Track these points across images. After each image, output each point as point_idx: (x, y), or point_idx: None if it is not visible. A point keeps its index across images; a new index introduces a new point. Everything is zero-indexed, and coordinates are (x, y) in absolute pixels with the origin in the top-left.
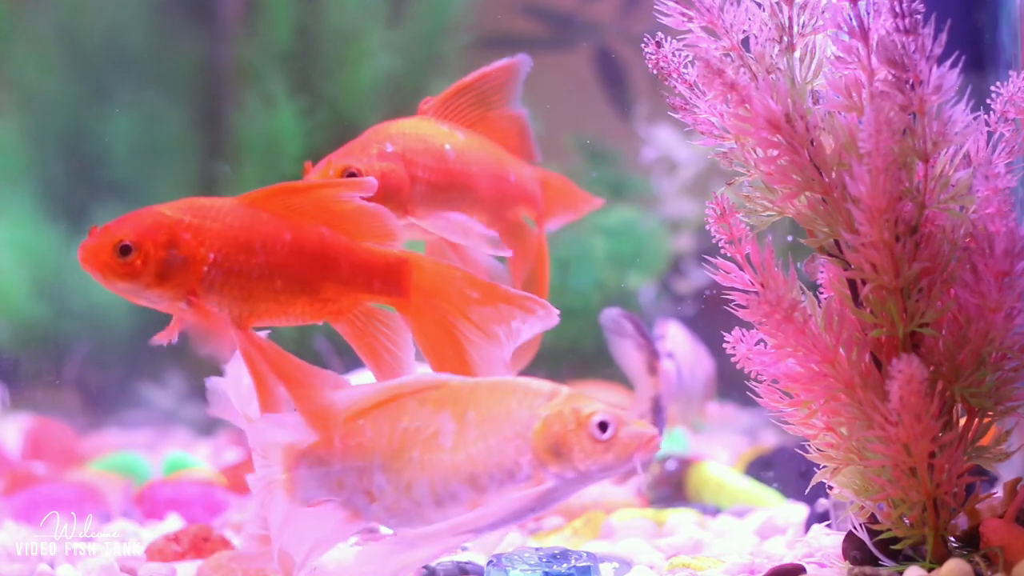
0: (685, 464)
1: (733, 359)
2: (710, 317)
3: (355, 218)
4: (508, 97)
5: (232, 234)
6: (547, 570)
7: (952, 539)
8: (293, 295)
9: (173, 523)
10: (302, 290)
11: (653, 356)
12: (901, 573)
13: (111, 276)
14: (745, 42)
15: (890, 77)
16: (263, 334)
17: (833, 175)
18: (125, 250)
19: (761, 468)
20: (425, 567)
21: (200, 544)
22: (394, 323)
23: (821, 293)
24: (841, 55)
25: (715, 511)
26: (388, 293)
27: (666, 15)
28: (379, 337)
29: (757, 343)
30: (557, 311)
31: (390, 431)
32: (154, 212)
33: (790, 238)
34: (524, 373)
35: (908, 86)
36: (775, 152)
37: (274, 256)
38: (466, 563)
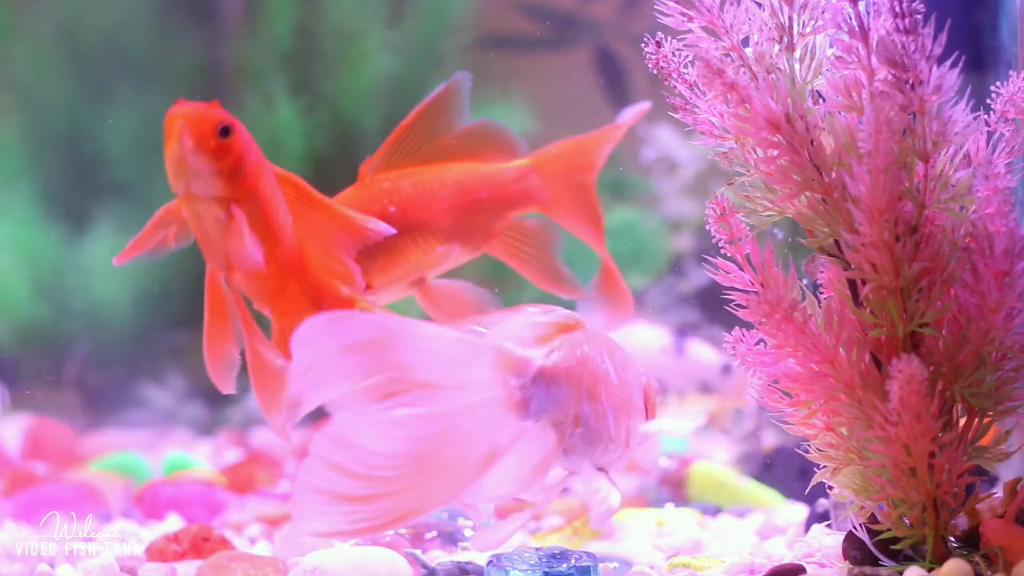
0: (685, 464)
1: (733, 359)
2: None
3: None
4: (458, 117)
5: (270, 184)
6: (547, 570)
7: (952, 539)
8: (264, 272)
9: (173, 523)
10: (271, 274)
11: None
12: (901, 573)
13: (202, 148)
14: (745, 42)
15: (890, 77)
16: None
17: (833, 175)
18: (226, 131)
19: (761, 468)
20: (424, 567)
21: (200, 544)
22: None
23: (821, 293)
24: (841, 55)
25: (715, 511)
26: None
27: (666, 15)
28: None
29: (757, 343)
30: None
31: (586, 360)
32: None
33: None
34: None
35: (908, 86)
36: (775, 152)
37: (278, 227)
38: (466, 563)
